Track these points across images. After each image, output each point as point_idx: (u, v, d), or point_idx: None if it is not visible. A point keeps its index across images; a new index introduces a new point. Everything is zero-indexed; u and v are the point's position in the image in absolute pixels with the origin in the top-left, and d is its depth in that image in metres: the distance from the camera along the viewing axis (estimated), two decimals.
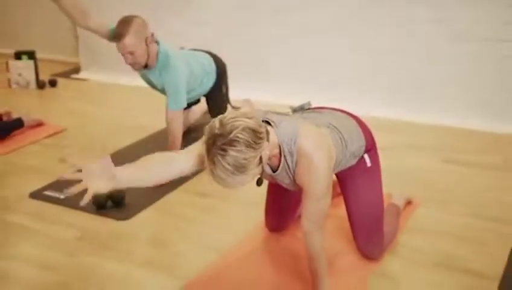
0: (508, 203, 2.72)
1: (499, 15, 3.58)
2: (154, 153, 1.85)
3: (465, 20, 3.67)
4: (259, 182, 1.85)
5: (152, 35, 2.95)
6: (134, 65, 2.96)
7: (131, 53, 2.88)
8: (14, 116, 3.88)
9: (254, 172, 1.73)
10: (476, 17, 3.64)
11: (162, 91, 3.16)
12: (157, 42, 3.00)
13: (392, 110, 3.90)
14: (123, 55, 2.91)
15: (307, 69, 4.27)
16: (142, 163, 1.82)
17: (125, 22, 2.86)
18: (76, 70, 5.43)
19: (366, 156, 2.16)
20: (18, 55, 4.93)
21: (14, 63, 4.89)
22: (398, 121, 3.82)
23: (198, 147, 1.84)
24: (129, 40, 2.84)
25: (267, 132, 1.76)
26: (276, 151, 1.87)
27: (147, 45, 2.91)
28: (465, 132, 3.63)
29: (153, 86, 3.22)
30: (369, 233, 2.21)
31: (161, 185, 1.89)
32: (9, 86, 4.92)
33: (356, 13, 4.00)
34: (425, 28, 3.81)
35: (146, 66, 3.03)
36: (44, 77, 5.03)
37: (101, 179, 1.68)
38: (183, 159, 1.87)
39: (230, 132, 1.65)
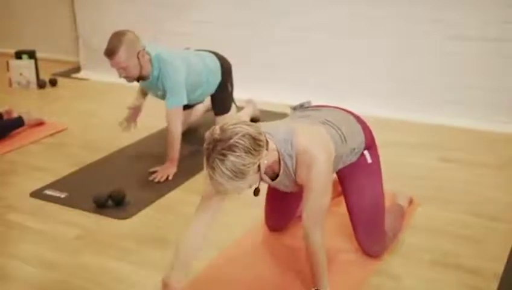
0: (505, 202, 2.73)
1: (499, 15, 3.59)
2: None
3: (464, 20, 3.67)
4: (256, 192, 1.86)
5: (144, 49, 2.97)
6: (127, 78, 3.00)
7: (124, 68, 2.92)
8: (15, 115, 3.89)
9: (252, 179, 1.76)
10: (476, 17, 3.64)
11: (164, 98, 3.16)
12: (148, 53, 3.00)
13: (390, 109, 3.91)
14: (116, 69, 2.94)
15: (307, 69, 4.27)
16: (182, 252, 1.93)
17: (116, 38, 2.89)
18: (77, 69, 5.44)
19: (366, 153, 2.18)
20: (18, 55, 4.94)
21: (14, 63, 4.89)
22: (395, 119, 3.82)
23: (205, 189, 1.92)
24: (120, 56, 2.87)
25: (267, 141, 1.79)
26: (276, 157, 1.89)
27: (138, 58, 2.94)
28: (462, 130, 3.63)
29: (157, 96, 3.23)
30: (369, 229, 2.22)
31: None
32: (10, 85, 4.93)
33: (356, 13, 4.01)
34: (424, 28, 3.81)
35: (142, 78, 3.05)
36: (45, 76, 5.03)
37: None
38: (207, 210, 1.98)
39: (231, 138, 1.68)
